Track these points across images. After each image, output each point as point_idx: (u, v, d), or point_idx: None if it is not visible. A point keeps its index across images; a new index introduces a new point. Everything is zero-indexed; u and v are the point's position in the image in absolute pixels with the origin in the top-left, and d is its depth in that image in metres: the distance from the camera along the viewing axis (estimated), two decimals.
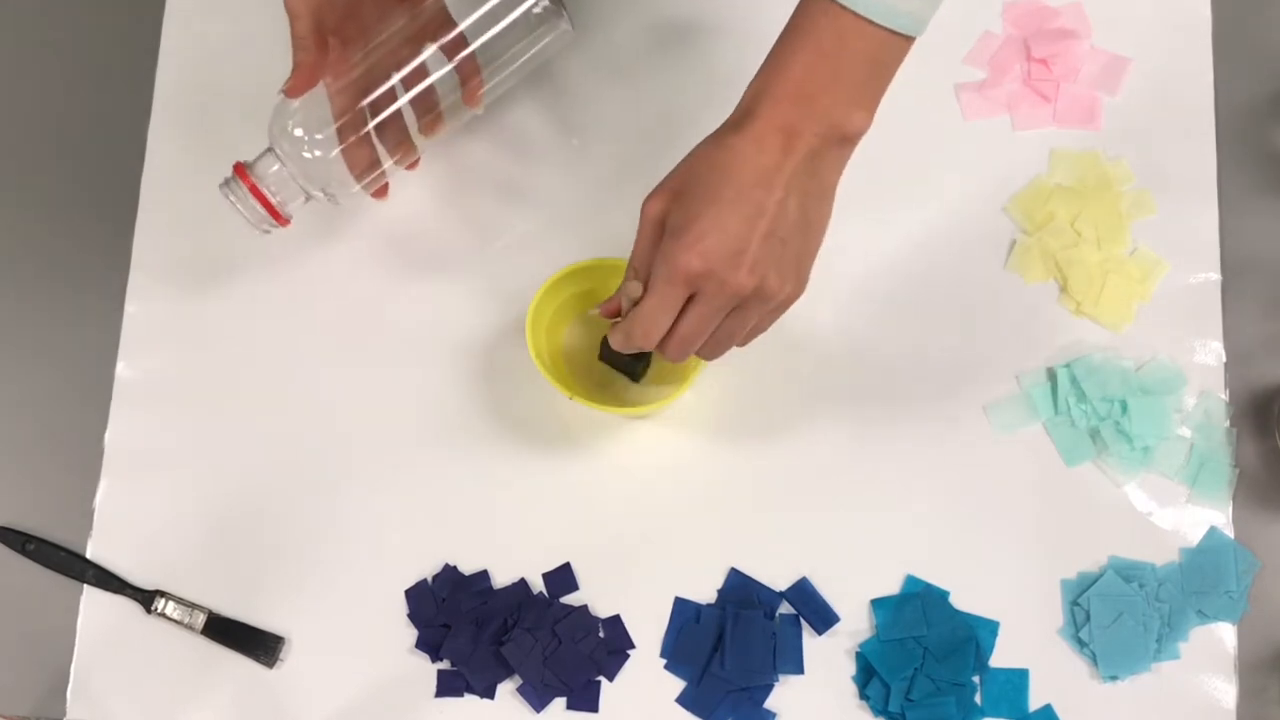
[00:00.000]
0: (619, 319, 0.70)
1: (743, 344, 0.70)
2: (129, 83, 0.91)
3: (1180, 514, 0.81)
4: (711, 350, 0.69)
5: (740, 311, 0.66)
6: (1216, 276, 0.85)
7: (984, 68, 0.89)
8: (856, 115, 0.64)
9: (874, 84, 0.64)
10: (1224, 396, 0.83)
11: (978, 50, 0.89)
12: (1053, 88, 0.88)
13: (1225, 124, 0.87)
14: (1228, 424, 0.82)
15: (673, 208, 0.65)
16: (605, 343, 0.79)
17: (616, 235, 0.86)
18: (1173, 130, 0.87)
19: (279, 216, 0.79)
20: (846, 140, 0.64)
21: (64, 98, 0.92)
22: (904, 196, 0.86)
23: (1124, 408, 0.81)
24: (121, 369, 0.86)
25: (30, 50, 0.93)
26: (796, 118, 0.63)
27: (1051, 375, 0.83)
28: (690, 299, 0.65)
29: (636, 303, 0.67)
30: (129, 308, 0.87)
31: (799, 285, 0.67)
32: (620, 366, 0.81)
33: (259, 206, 0.78)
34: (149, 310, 0.87)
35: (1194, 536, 0.81)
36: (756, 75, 0.65)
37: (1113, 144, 0.87)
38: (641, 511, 0.83)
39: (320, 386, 0.86)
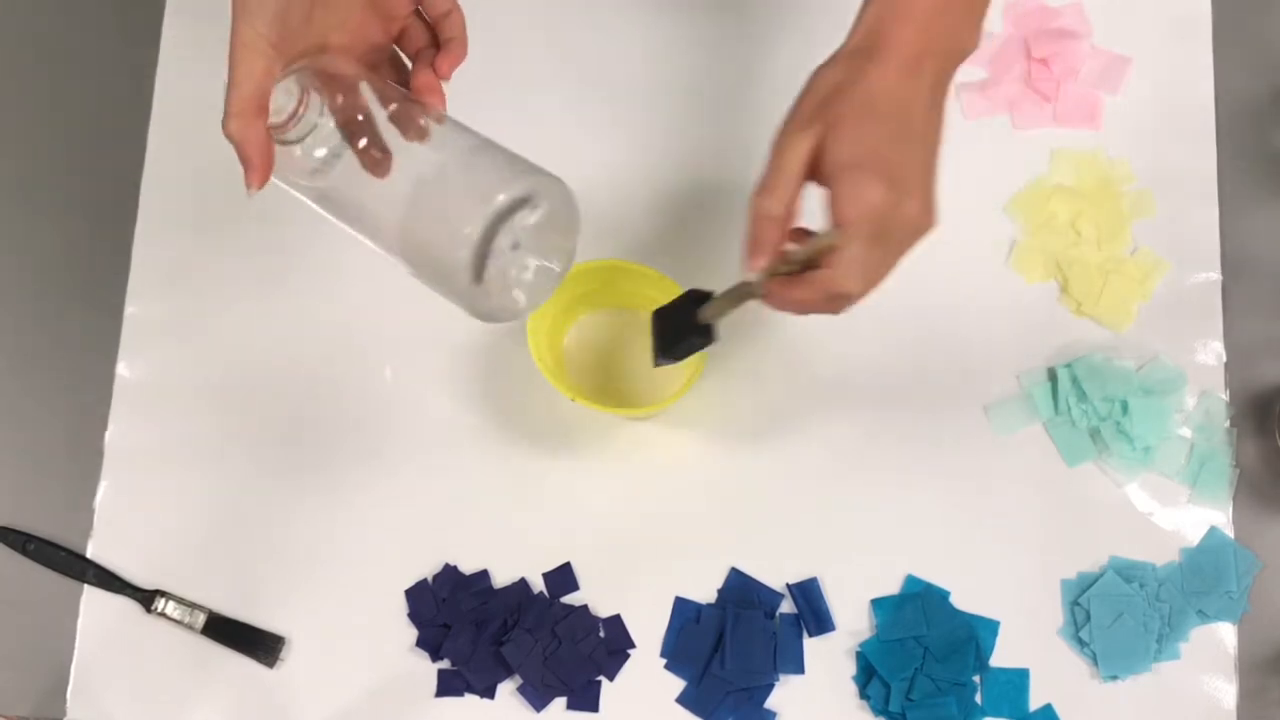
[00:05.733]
0: (778, 279, 0.64)
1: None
2: (129, 83, 0.91)
3: (1181, 514, 0.81)
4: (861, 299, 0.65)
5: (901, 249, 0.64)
6: (1217, 276, 0.85)
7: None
8: (972, 34, 0.65)
9: (980, 2, 0.65)
10: (1224, 396, 0.83)
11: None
12: (1053, 87, 0.88)
13: (1225, 124, 0.87)
14: (1228, 424, 0.82)
15: (835, 141, 0.62)
16: (692, 332, 0.69)
17: (618, 236, 0.86)
18: (1173, 130, 0.87)
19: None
20: (962, 57, 0.65)
21: (64, 98, 0.92)
22: None
23: (1124, 408, 0.81)
24: (121, 369, 0.86)
25: (30, 51, 0.93)
26: (925, 41, 0.63)
27: (1052, 375, 0.83)
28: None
29: (821, 251, 0.62)
30: (129, 308, 0.87)
31: (936, 214, 0.64)
32: (687, 347, 0.71)
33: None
34: (149, 310, 0.87)
35: (1194, 536, 0.81)
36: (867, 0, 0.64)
37: (1113, 144, 0.87)
38: (641, 511, 0.83)
39: (320, 386, 0.86)
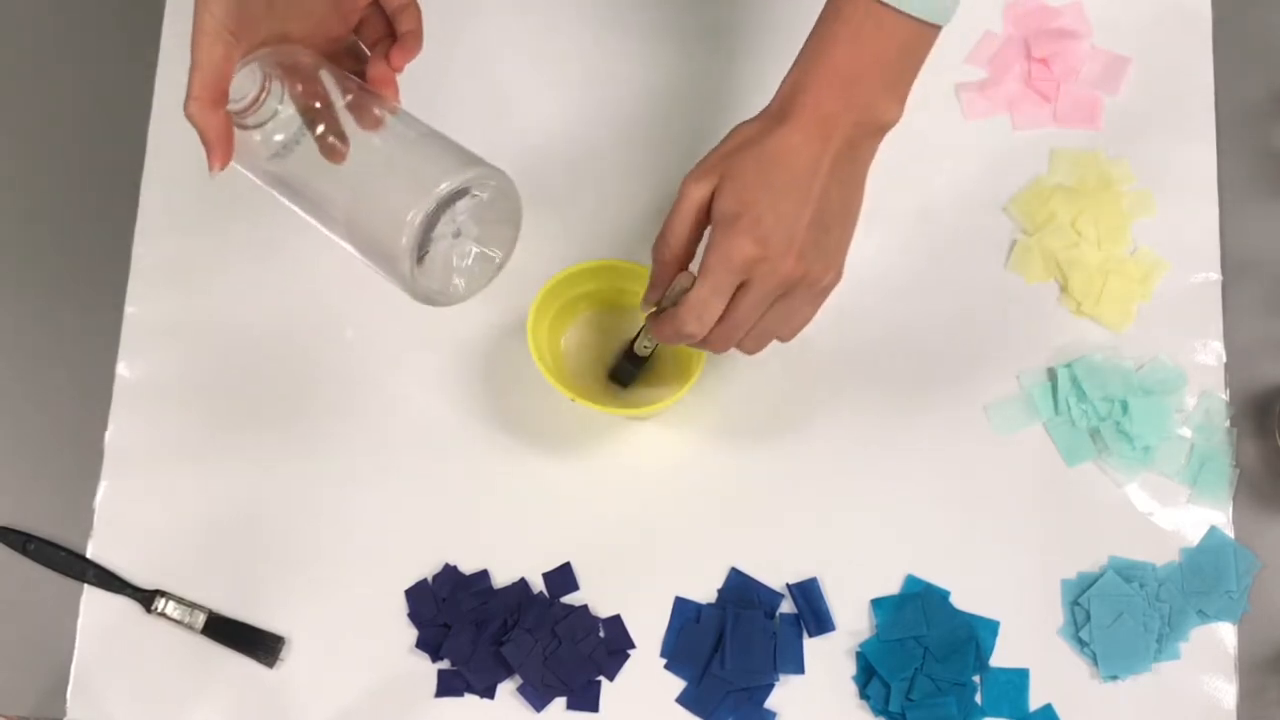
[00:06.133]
0: (655, 315, 0.71)
1: (787, 338, 0.71)
2: (129, 83, 0.91)
3: (1181, 514, 0.81)
4: (756, 342, 0.70)
5: (785, 299, 0.68)
6: (1217, 276, 0.85)
7: (984, 67, 0.89)
8: (891, 106, 0.67)
9: (907, 74, 0.67)
10: (1224, 396, 0.83)
11: (978, 50, 0.89)
12: (1053, 87, 0.88)
13: (1225, 124, 0.87)
14: (1228, 424, 0.82)
15: (721, 194, 0.66)
16: (627, 358, 0.80)
17: (620, 237, 0.86)
18: (1173, 130, 0.87)
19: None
20: (881, 130, 0.67)
21: (64, 98, 0.92)
22: (904, 196, 0.86)
23: (1124, 408, 0.81)
24: (121, 369, 0.86)
25: (30, 50, 0.93)
26: (837, 107, 0.65)
27: (1052, 375, 0.83)
28: (740, 287, 0.66)
29: (684, 292, 0.68)
30: (129, 308, 0.87)
31: (839, 272, 0.69)
32: (625, 377, 0.82)
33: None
34: (149, 310, 0.87)
35: (1194, 536, 0.81)
36: (794, 65, 0.67)
37: (1113, 144, 0.87)
38: (641, 511, 0.83)
39: (320, 386, 0.86)
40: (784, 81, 0.67)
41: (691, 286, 0.67)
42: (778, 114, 0.66)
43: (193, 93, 0.63)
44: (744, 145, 0.66)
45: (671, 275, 0.69)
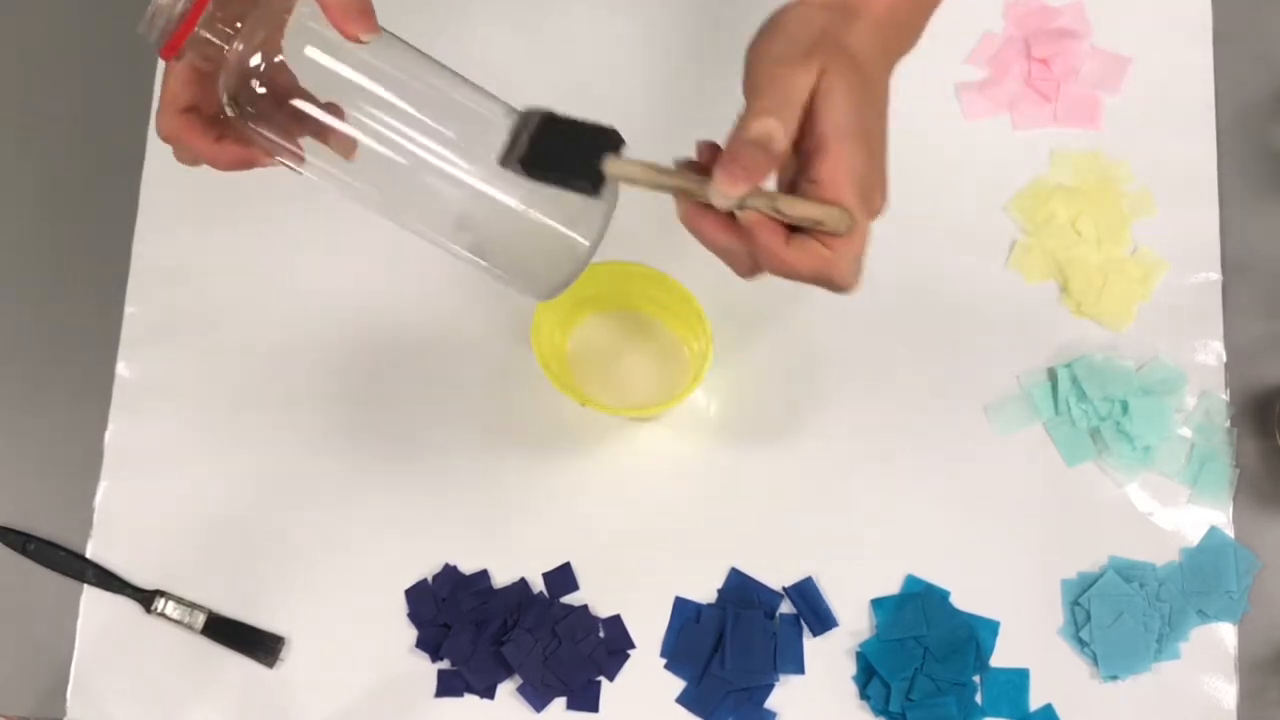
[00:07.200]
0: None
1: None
2: (129, 82, 0.91)
3: (1181, 514, 0.81)
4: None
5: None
6: (1217, 276, 0.85)
7: (984, 67, 0.89)
8: (918, 30, 0.61)
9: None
10: (1224, 396, 0.83)
11: (978, 50, 0.89)
12: (1053, 87, 0.88)
13: (1225, 124, 0.87)
14: (1228, 424, 0.82)
15: (827, 100, 0.54)
16: (539, 149, 0.56)
17: (624, 238, 0.86)
18: (1173, 130, 0.87)
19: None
20: (900, 57, 0.60)
21: (64, 98, 0.92)
22: (904, 196, 0.85)
23: (1125, 408, 0.81)
24: (121, 369, 0.86)
25: (30, 50, 0.93)
26: (891, 12, 0.58)
27: (1052, 375, 0.83)
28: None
29: (814, 219, 0.54)
30: (129, 308, 0.87)
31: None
32: (557, 176, 0.56)
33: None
34: (149, 310, 0.87)
35: (1194, 536, 0.81)
36: None
37: (1113, 144, 0.87)
38: (641, 511, 0.83)
39: (320, 386, 0.86)
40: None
41: (833, 224, 0.54)
42: (842, 6, 0.57)
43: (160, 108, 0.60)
44: (826, 38, 0.56)
45: (768, 167, 0.54)
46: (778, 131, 0.53)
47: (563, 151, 0.56)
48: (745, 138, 0.54)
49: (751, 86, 0.56)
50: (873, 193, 0.56)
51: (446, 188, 0.59)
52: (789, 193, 0.55)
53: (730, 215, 0.54)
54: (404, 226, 0.62)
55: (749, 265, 0.55)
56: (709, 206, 0.54)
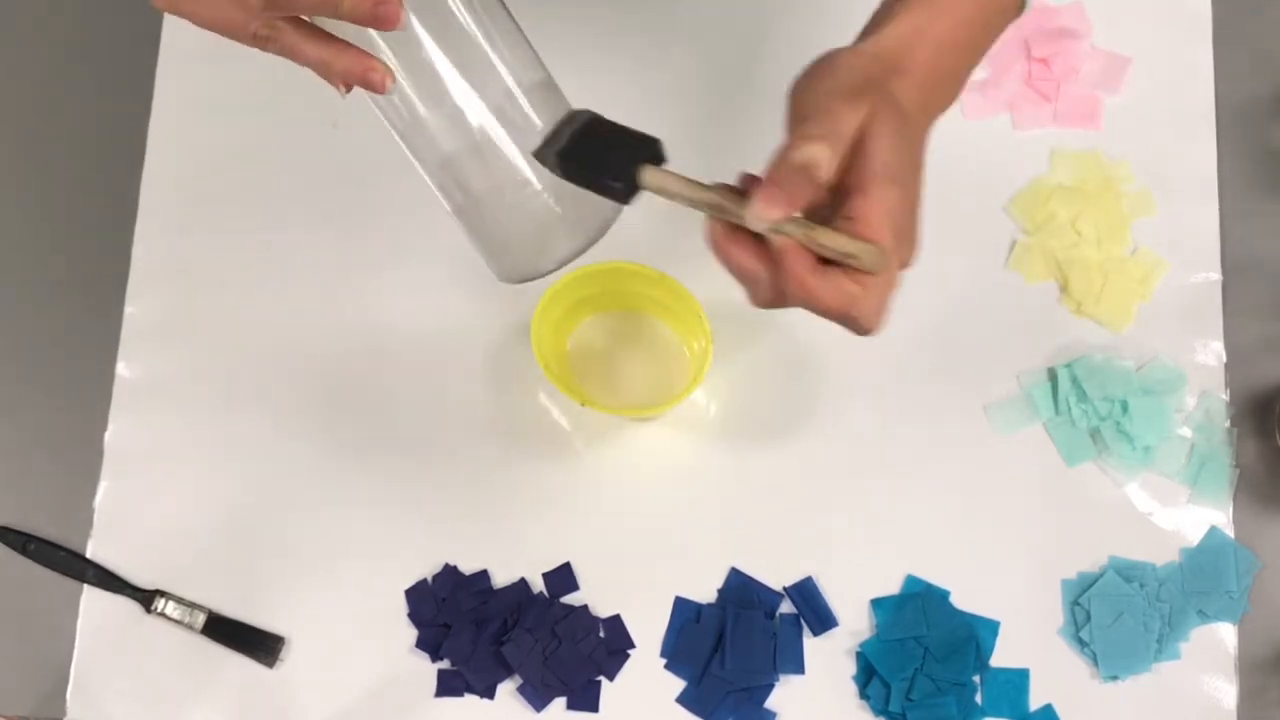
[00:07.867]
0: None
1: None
2: (129, 82, 0.91)
3: (1181, 514, 0.81)
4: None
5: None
6: (1217, 276, 0.85)
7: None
8: (959, 86, 0.62)
9: (970, 58, 0.62)
10: (1224, 396, 0.83)
11: None
12: (1053, 87, 0.88)
13: (1225, 124, 0.87)
14: (1228, 424, 0.82)
15: (881, 137, 0.54)
16: (577, 149, 0.56)
17: (625, 239, 0.86)
18: (1173, 130, 0.87)
19: None
20: (942, 111, 0.61)
21: (64, 98, 0.92)
22: None
23: (1125, 408, 0.81)
24: (121, 369, 0.86)
25: (30, 50, 0.93)
26: (934, 77, 0.59)
27: (1052, 375, 0.83)
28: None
29: (845, 252, 0.53)
30: (129, 308, 0.87)
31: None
32: (594, 180, 0.56)
33: None
34: (149, 310, 0.87)
35: (1194, 536, 0.81)
36: (900, 9, 0.58)
37: (1113, 144, 0.87)
38: (641, 511, 0.83)
39: (320, 386, 0.86)
40: (879, 25, 0.59)
41: (864, 261, 0.53)
42: (888, 61, 0.57)
43: None
44: (872, 84, 0.56)
45: (810, 194, 0.53)
46: (824, 158, 0.53)
47: (602, 155, 0.55)
48: (791, 162, 0.53)
49: (799, 116, 0.56)
50: (905, 241, 0.55)
51: (476, 127, 0.58)
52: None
53: (760, 239, 0.53)
54: (415, 154, 0.60)
55: (769, 294, 0.55)
56: (739, 228, 0.53)
